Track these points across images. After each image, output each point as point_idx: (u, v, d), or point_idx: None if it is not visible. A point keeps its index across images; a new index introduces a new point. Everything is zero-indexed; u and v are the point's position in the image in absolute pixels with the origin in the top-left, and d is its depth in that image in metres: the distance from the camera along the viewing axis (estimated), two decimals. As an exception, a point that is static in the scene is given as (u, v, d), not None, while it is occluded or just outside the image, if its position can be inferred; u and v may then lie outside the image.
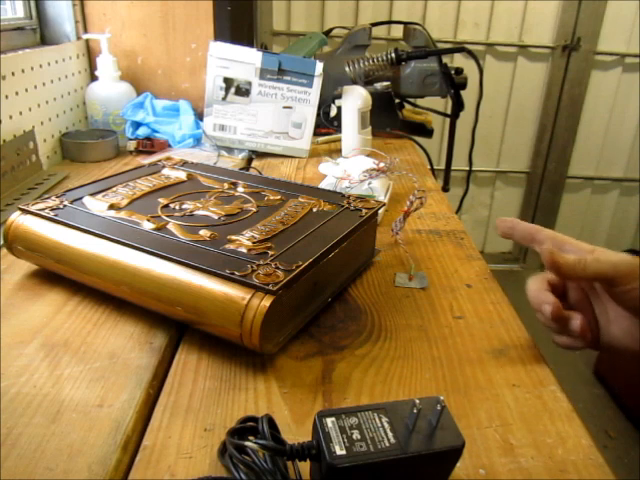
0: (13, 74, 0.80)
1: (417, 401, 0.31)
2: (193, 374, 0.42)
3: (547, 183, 2.34)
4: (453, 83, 1.14)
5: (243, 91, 0.95)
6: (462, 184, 1.46)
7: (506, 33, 2.11)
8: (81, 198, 0.55)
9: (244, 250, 0.46)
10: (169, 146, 0.98)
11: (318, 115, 1.01)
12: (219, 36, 1.04)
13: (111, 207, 0.54)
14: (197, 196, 0.58)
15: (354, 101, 0.93)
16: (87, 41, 1.05)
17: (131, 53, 1.05)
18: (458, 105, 1.17)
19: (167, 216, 0.53)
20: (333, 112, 1.05)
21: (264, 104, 0.95)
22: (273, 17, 2.01)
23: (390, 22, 1.75)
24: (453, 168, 1.30)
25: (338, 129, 1.03)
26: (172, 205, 0.56)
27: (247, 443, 0.31)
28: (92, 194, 0.56)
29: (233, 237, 0.49)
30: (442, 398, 0.31)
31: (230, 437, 0.32)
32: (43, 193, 0.76)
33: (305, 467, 0.33)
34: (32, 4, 0.99)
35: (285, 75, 0.93)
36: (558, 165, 2.30)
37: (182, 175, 0.65)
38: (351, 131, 0.95)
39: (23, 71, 0.83)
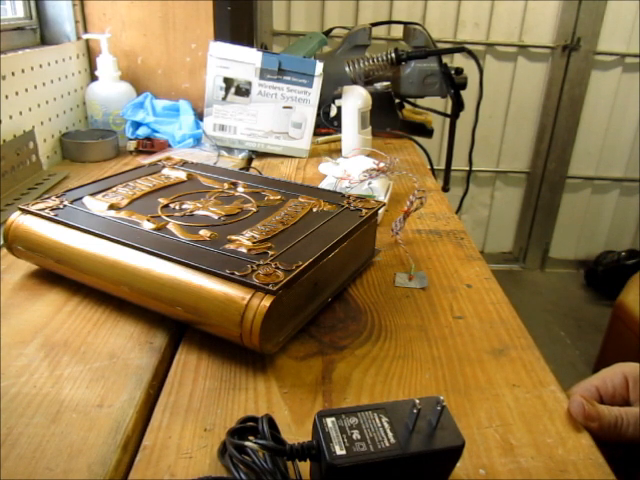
0: (13, 74, 0.80)
1: (417, 401, 0.31)
2: (193, 374, 0.42)
3: (547, 183, 2.34)
4: (453, 83, 1.14)
5: (243, 91, 0.95)
6: (462, 184, 1.46)
7: (506, 33, 2.11)
8: (81, 198, 0.55)
9: (244, 250, 0.46)
10: (169, 146, 0.98)
11: (318, 115, 1.01)
12: (219, 36, 1.04)
13: (111, 207, 0.54)
14: (197, 196, 0.58)
15: (354, 101, 0.93)
16: (87, 41, 1.04)
17: (131, 53, 1.05)
18: (458, 105, 1.17)
19: (167, 216, 0.53)
20: (333, 112, 1.05)
21: (264, 104, 0.95)
22: (273, 17, 2.01)
23: (390, 22, 1.75)
24: (453, 168, 1.30)
25: (338, 129, 1.03)
26: (172, 205, 0.56)
27: (247, 443, 0.31)
28: (92, 194, 0.56)
29: (233, 237, 0.49)
30: (442, 398, 0.31)
31: (230, 437, 0.32)
32: (43, 193, 0.76)
33: (305, 467, 0.33)
34: (32, 4, 0.99)
35: (285, 75, 0.93)
36: (558, 165, 2.30)
37: (182, 175, 0.65)
38: (351, 131, 0.95)
39: (23, 71, 0.83)
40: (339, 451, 0.29)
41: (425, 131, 1.19)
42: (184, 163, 0.69)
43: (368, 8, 2.04)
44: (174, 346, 0.46)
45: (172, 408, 0.38)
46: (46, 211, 0.52)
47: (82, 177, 0.84)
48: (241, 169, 0.87)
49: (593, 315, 2.15)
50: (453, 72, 1.14)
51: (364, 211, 0.55)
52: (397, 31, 1.93)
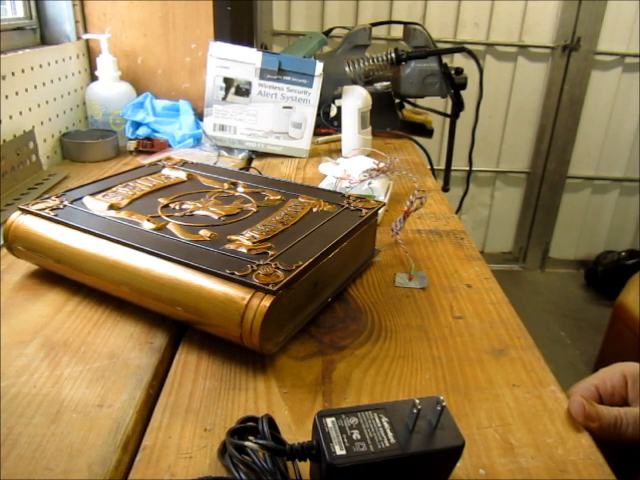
0: (13, 74, 0.80)
1: (417, 401, 0.31)
2: (193, 374, 0.42)
3: (547, 183, 2.34)
4: (453, 83, 1.14)
5: (243, 91, 0.95)
6: (462, 184, 1.46)
7: (506, 33, 2.11)
8: (81, 198, 0.55)
9: (244, 250, 0.46)
10: (169, 146, 0.98)
11: (318, 115, 1.01)
12: (219, 36, 1.04)
13: (111, 207, 0.54)
14: (197, 196, 0.58)
15: (354, 101, 0.93)
16: (87, 41, 1.04)
17: (131, 53, 1.05)
18: (458, 105, 1.17)
19: (167, 216, 0.53)
20: (333, 112, 1.05)
21: (264, 104, 0.95)
22: (273, 17, 2.01)
23: (390, 22, 1.75)
24: (453, 168, 1.30)
25: (338, 129, 1.03)
26: (172, 205, 0.56)
27: (247, 443, 0.31)
28: (92, 194, 0.56)
29: (233, 237, 0.49)
30: (442, 398, 0.31)
31: (230, 437, 0.32)
32: (43, 193, 0.76)
33: (305, 467, 0.33)
34: (32, 4, 0.99)
35: (285, 75, 0.93)
36: (558, 165, 2.30)
37: (182, 175, 0.65)
38: (351, 131, 0.95)
39: (23, 71, 0.83)
40: (339, 451, 0.29)
41: (425, 131, 1.19)
42: (184, 163, 0.69)
43: (368, 8, 2.04)
44: (174, 346, 0.46)
45: (172, 408, 0.38)
46: (46, 211, 0.52)
47: (82, 177, 0.84)
48: (241, 169, 0.87)
49: (593, 315, 2.15)
50: (453, 72, 1.14)
51: (364, 211, 0.55)
52: (397, 31, 1.93)
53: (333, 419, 0.31)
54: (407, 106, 1.27)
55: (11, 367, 0.41)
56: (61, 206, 0.53)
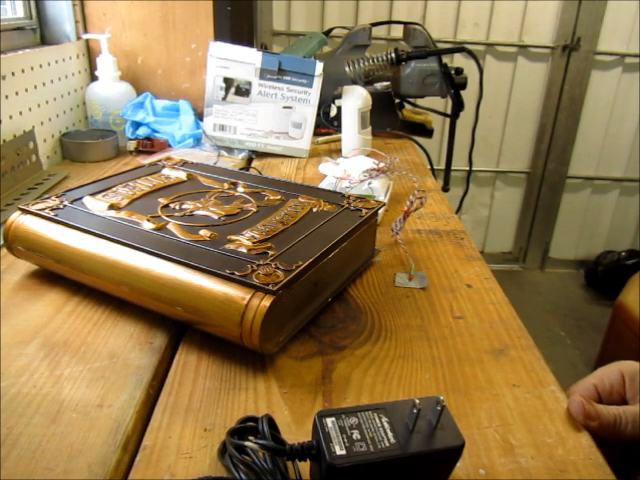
0: (13, 74, 0.80)
1: (417, 401, 0.31)
2: (193, 374, 0.42)
3: (547, 183, 2.34)
4: (453, 83, 1.14)
5: (243, 91, 0.95)
6: (462, 184, 1.46)
7: (506, 33, 2.11)
8: (81, 198, 0.55)
9: (244, 250, 0.46)
10: (169, 146, 0.98)
11: (318, 115, 1.01)
12: (219, 36, 1.04)
13: (111, 207, 0.54)
14: (197, 196, 0.58)
15: (354, 101, 0.93)
16: (87, 41, 1.04)
17: (131, 53, 1.05)
18: (458, 105, 1.17)
19: (167, 216, 0.53)
20: (333, 112, 1.05)
21: (264, 104, 0.95)
22: (273, 17, 2.01)
23: (390, 22, 1.75)
24: (453, 168, 1.30)
25: (338, 129, 1.03)
26: (172, 205, 0.56)
27: (247, 443, 0.31)
28: (92, 194, 0.56)
29: (233, 237, 0.49)
30: (442, 398, 0.31)
31: (230, 437, 0.32)
32: (43, 193, 0.76)
33: (305, 467, 0.33)
34: (32, 4, 0.99)
35: (285, 75, 0.93)
36: (558, 165, 2.30)
37: (182, 175, 0.65)
38: (351, 131, 0.95)
39: (23, 71, 0.83)
40: (339, 451, 0.29)
41: (425, 131, 1.19)
42: (184, 163, 0.69)
43: (368, 8, 2.04)
44: (174, 346, 0.46)
45: (172, 408, 0.38)
46: (46, 211, 0.52)
47: (82, 177, 0.84)
48: (241, 169, 0.87)
49: (593, 315, 2.15)
50: (453, 72, 1.14)
51: (364, 211, 0.55)
52: (397, 31, 1.93)
53: (333, 419, 0.31)
54: (407, 106, 1.27)
55: (11, 367, 0.41)
56: (61, 206, 0.53)
